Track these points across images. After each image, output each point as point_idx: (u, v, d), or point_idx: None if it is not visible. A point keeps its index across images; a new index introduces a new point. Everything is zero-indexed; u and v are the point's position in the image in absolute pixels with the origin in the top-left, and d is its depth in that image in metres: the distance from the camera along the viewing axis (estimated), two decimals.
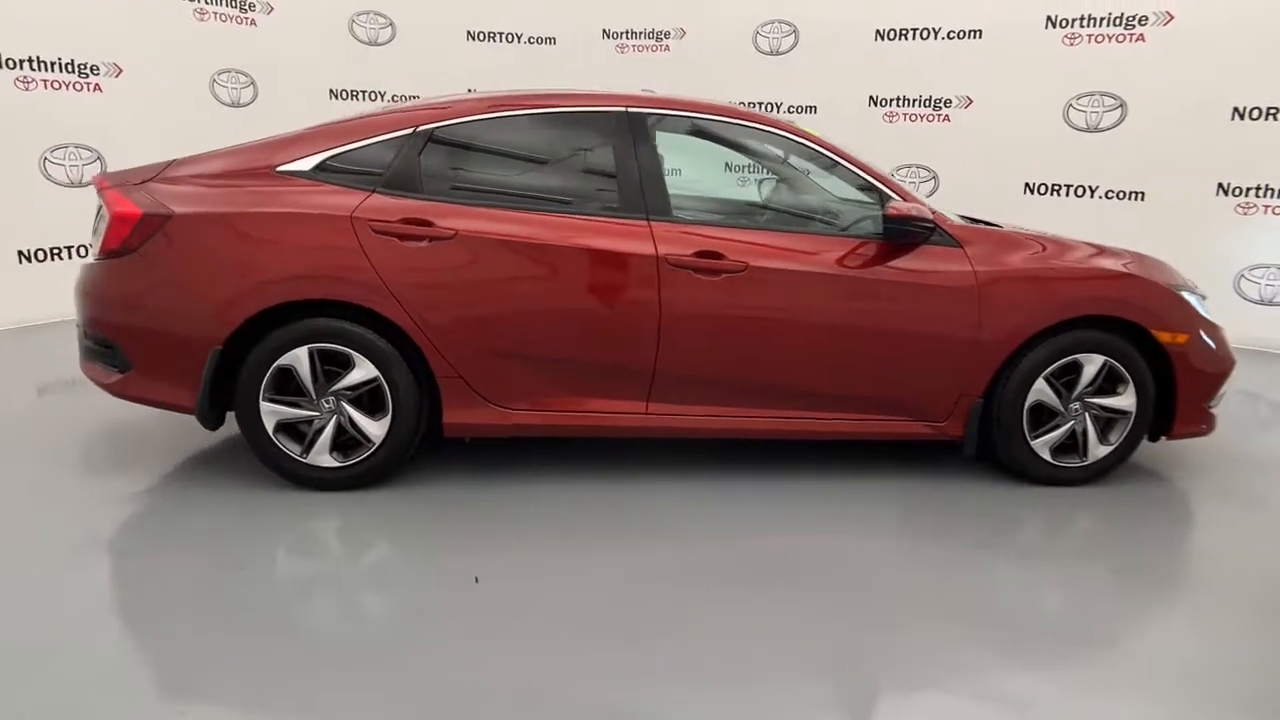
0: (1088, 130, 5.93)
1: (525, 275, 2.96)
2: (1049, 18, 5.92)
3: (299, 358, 2.91)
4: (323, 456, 2.99)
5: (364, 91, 6.72)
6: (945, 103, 6.30)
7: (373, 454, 3.00)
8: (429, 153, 3.03)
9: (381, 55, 6.71)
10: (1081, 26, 5.83)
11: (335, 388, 2.95)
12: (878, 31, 6.39)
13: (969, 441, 3.23)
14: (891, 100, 6.43)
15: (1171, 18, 5.60)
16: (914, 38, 6.31)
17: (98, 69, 5.42)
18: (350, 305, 2.91)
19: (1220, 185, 5.64)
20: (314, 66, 6.45)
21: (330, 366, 2.94)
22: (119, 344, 2.99)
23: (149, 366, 2.99)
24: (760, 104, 6.65)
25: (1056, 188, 6.04)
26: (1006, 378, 3.17)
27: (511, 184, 3.15)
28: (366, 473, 3.03)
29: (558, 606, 2.40)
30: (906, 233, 3.02)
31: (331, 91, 6.60)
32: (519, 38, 7.08)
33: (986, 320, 3.10)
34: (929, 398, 3.20)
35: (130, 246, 2.91)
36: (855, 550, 2.79)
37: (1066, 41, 5.88)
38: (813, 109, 6.66)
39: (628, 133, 3.09)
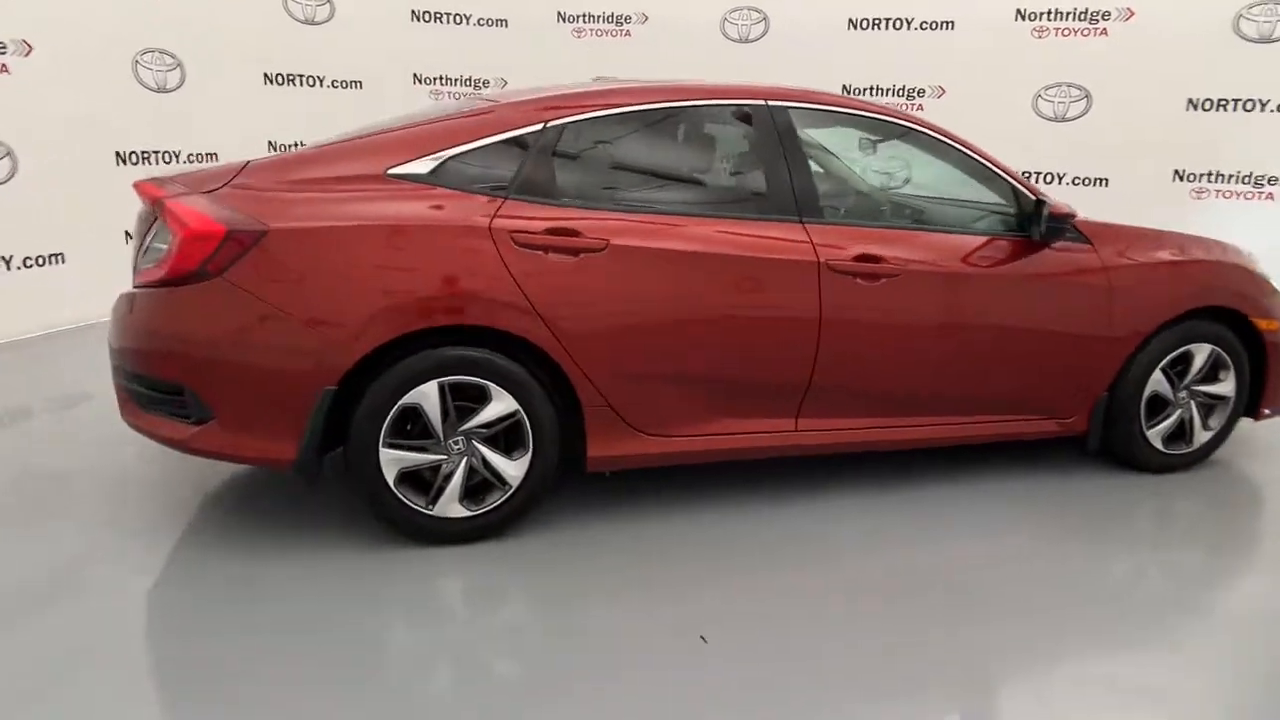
0: (1055, 120, 6.13)
1: (683, 289, 2.66)
2: (1019, 11, 6.05)
3: (427, 394, 2.49)
4: (452, 506, 2.58)
5: (301, 76, 6.02)
6: (918, 92, 6.34)
7: (509, 498, 2.62)
8: (561, 152, 2.67)
9: (319, 34, 6.03)
10: (1049, 20, 6.00)
11: (466, 426, 2.54)
12: (850, 21, 6.34)
13: (1093, 436, 3.23)
14: (865, 89, 6.40)
15: (1132, 14, 5.85)
16: (886, 27, 6.31)
17: (4, 48, 4.55)
18: (487, 330, 2.52)
19: (1176, 172, 5.97)
20: (246, 46, 5.72)
21: (460, 401, 2.54)
22: (194, 389, 2.46)
23: (236, 415, 2.48)
24: None
25: (1026, 175, 6.21)
26: (1128, 371, 3.17)
27: (654, 186, 2.83)
28: (501, 520, 2.65)
29: (793, 650, 2.17)
30: (1062, 231, 2.96)
31: (267, 76, 5.88)
32: (467, 19, 6.53)
33: (1118, 316, 3.10)
34: (1061, 395, 3.17)
35: (211, 270, 2.39)
36: (1015, 557, 2.74)
37: (1035, 34, 6.04)
38: None
39: (772, 128, 2.83)
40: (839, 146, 3.24)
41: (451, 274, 2.48)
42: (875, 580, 2.57)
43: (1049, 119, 6.13)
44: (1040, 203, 2.98)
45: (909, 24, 6.27)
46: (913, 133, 3.06)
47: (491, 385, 2.53)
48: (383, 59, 6.34)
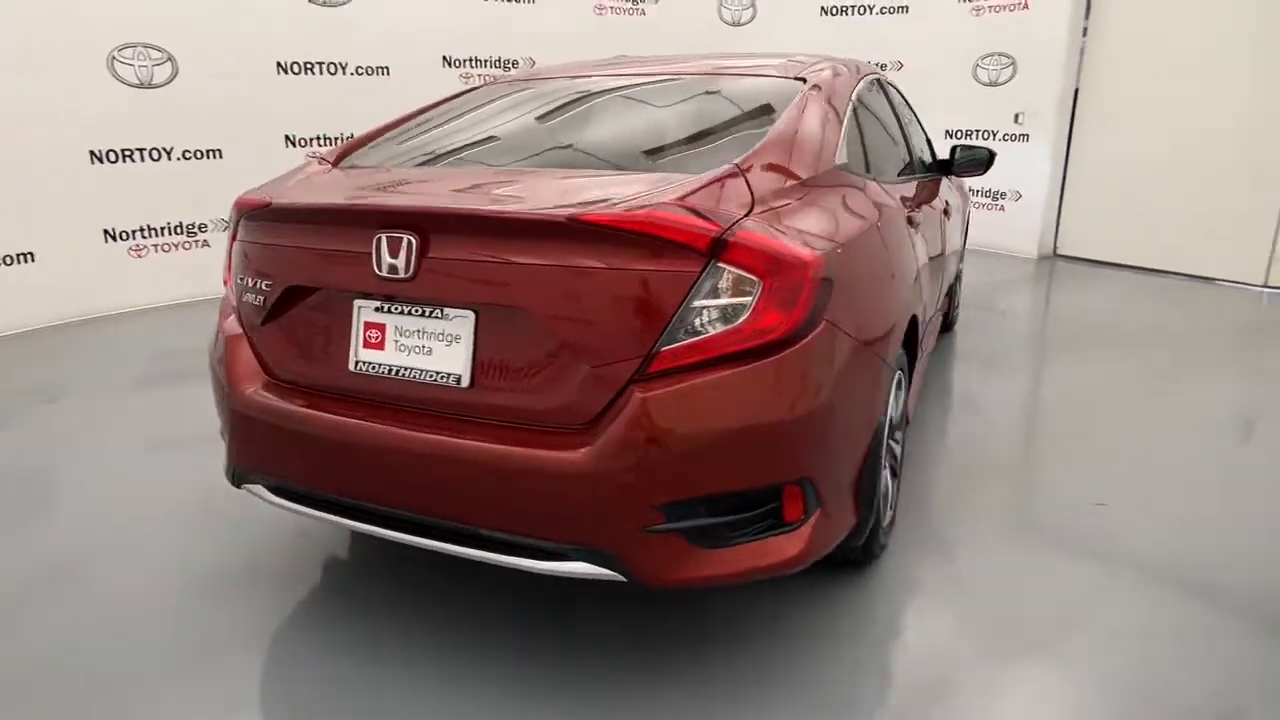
0: (990, 85, 7.54)
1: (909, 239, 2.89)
2: None
3: None
4: None
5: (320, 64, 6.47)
6: (881, 66, 7.72)
7: None
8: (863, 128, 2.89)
9: (337, 17, 6.49)
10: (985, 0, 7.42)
11: None
12: (822, 8, 7.74)
13: None
14: None
15: None
16: (853, 13, 7.70)
17: None
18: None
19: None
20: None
21: None
22: (813, 478, 1.99)
23: (837, 492, 2.10)
24: None
25: (969, 132, 7.64)
26: None
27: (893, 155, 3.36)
28: None
29: None
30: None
31: (280, 66, 6.32)
32: None
33: None
34: None
35: (818, 316, 1.92)
36: None
37: (974, 13, 7.44)
38: None
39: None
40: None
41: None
42: None
43: (984, 84, 7.55)
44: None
45: (871, 9, 7.66)
46: None
47: None
48: (407, 42, 6.61)
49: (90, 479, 3.43)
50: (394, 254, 1.99)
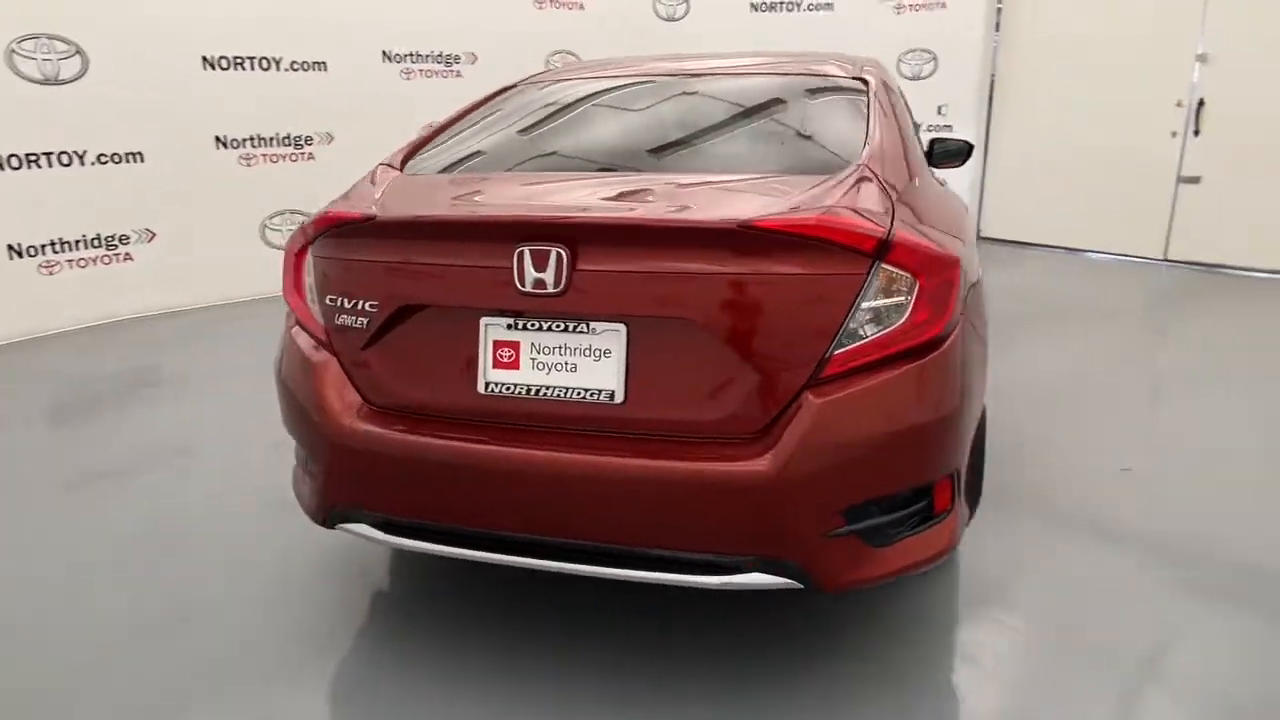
0: (913, 79, 7.88)
1: None
2: None
3: None
4: None
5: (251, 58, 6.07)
6: None
7: None
8: None
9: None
10: None
11: None
12: (752, 4, 7.87)
13: None
14: None
15: None
16: (781, 9, 7.87)
17: None
18: None
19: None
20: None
21: None
22: (959, 469, 2.04)
23: (964, 489, 2.13)
24: None
25: None
26: None
27: None
28: None
29: None
30: None
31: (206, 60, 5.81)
32: None
33: None
34: None
35: (955, 322, 1.93)
36: None
37: (895, 10, 7.77)
38: None
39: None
40: None
41: None
42: None
43: (908, 78, 7.88)
44: None
45: (798, 6, 7.86)
46: None
47: None
48: (345, 36, 6.25)
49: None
50: (540, 268, 1.88)
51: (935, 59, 7.80)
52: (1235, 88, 6.63)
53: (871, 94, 2.62)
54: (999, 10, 7.61)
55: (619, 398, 1.92)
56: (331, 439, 2.09)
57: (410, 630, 2.41)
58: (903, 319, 1.84)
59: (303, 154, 6.24)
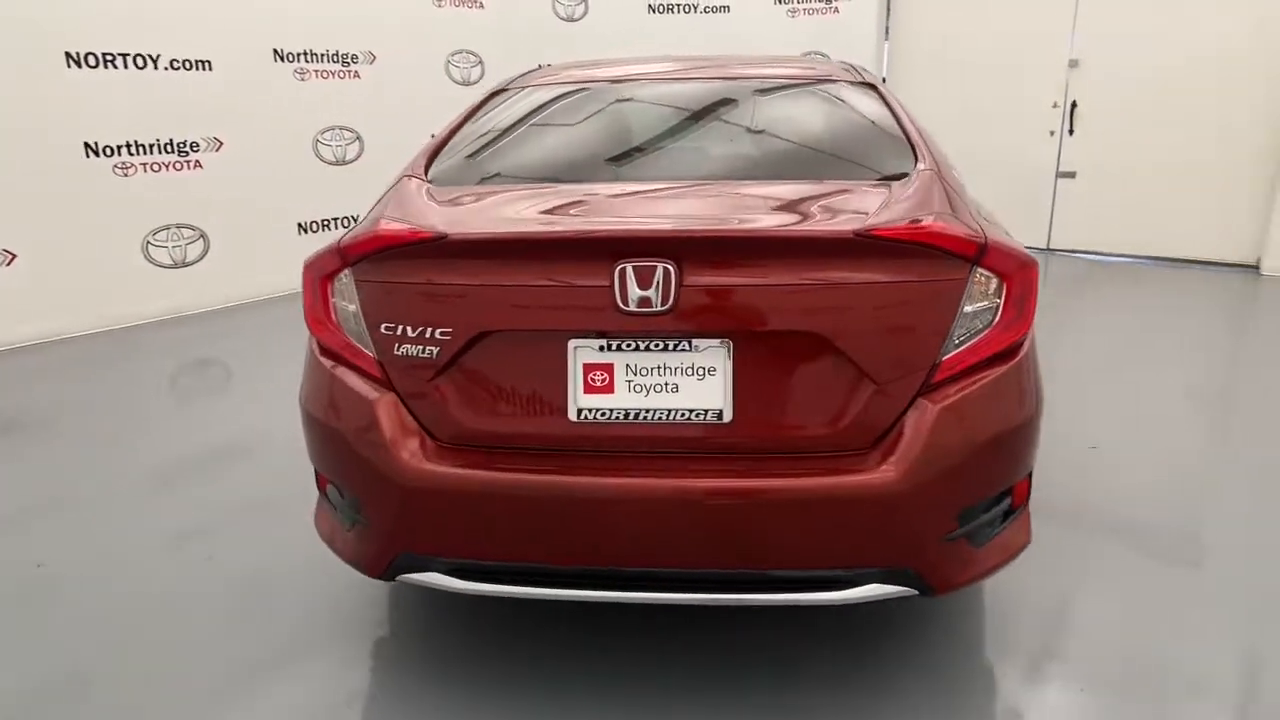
0: None
1: None
2: None
3: None
4: None
5: (125, 55, 6.05)
6: None
7: None
8: None
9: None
10: (799, 3, 7.89)
11: None
12: (650, 6, 7.80)
13: None
14: None
15: None
16: (678, 11, 7.83)
17: None
18: None
19: None
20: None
21: None
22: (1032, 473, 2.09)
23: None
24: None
25: None
26: None
27: None
28: None
29: None
30: None
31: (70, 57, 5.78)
32: None
33: None
34: None
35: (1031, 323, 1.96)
36: None
37: (790, 14, 7.90)
38: None
39: None
40: None
41: None
42: None
43: None
44: None
45: (695, 9, 7.85)
46: None
47: None
48: (232, 32, 5.77)
49: None
50: (645, 285, 1.76)
51: (826, 59, 7.99)
52: (1103, 90, 7.16)
53: (888, 96, 2.67)
54: (888, 15, 7.88)
55: (727, 416, 1.83)
56: (398, 482, 1.86)
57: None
58: (995, 321, 1.86)
59: (189, 162, 5.64)
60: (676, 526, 1.83)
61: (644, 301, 1.76)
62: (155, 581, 2.67)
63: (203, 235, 5.80)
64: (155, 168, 5.52)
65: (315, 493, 2.21)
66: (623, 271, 1.76)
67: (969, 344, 1.84)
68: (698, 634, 2.36)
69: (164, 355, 5.03)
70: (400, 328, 1.89)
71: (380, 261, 1.90)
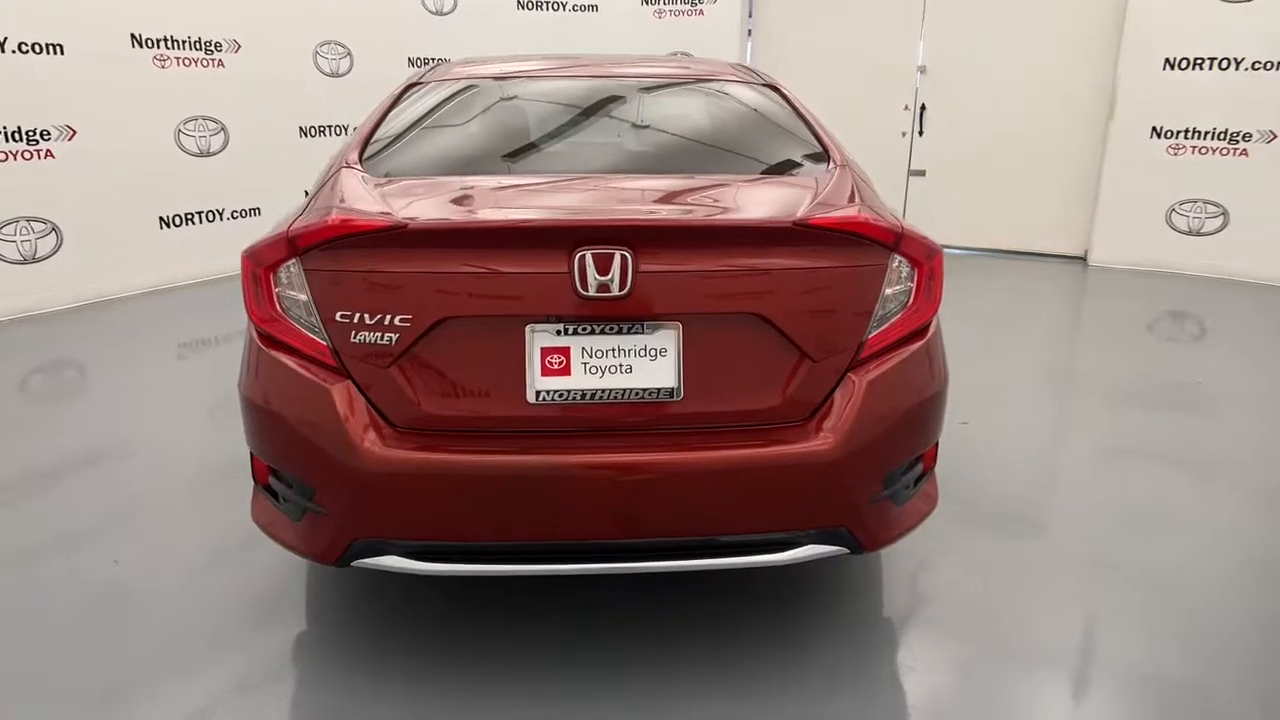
0: None
1: None
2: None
3: None
4: None
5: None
6: None
7: None
8: None
9: None
10: (665, 4, 8.16)
11: None
12: (519, 3, 7.90)
13: None
14: None
15: None
16: (547, 8, 7.96)
17: None
18: None
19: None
20: None
21: None
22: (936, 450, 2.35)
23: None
24: (429, 59, 7.56)
25: None
26: None
27: None
28: None
29: None
30: None
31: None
32: None
33: None
34: None
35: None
36: None
37: (656, 15, 8.17)
38: None
39: None
40: None
41: None
42: None
43: None
44: None
45: (564, 6, 8.00)
46: None
47: None
48: (86, 14, 5.51)
49: None
50: (604, 271, 1.88)
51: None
52: (947, 94, 7.75)
53: (790, 96, 2.95)
54: (750, 15, 8.24)
55: (678, 394, 1.96)
56: (357, 468, 1.90)
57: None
58: (909, 303, 2.07)
59: (39, 151, 5.34)
60: (632, 499, 1.94)
61: (603, 287, 1.87)
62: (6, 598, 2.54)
63: (55, 229, 5.49)
64: (1, 156, 5.22)
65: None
66: (582, 259, 1.86)
67: (889, 324, 2.05)
68: (650, 602, 2.50)
69: (10, 357, 4.74)
70: (357, 315, 1.93)
71: (334, 251, 1.92)
